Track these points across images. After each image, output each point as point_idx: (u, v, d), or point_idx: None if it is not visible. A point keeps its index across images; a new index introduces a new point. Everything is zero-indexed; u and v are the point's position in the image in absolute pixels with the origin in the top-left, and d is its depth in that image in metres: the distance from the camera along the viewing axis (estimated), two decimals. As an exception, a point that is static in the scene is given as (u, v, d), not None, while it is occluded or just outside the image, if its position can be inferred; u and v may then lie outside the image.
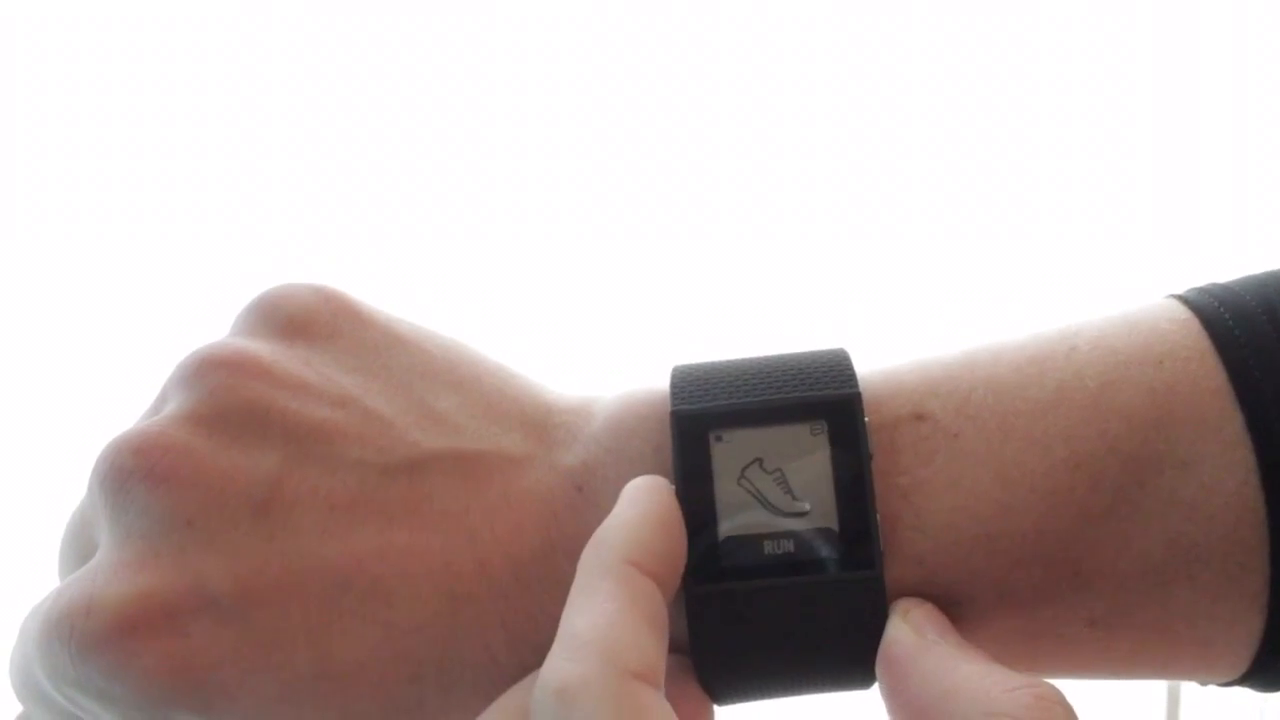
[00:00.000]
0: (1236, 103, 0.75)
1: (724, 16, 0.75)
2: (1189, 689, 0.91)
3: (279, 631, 0.25)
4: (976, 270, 0.75)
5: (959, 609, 0.26)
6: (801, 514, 0.26)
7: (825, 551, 0.25)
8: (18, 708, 0.28)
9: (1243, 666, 0.27)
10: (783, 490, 0.26)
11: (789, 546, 0.25)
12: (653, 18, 0.75)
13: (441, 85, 0.74)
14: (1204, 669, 0.27)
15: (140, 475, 0.26)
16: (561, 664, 0.22)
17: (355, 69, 0.73)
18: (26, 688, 0.27)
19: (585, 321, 0.75)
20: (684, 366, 0.28)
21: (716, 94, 0.76)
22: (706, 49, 0.75)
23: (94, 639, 0.25)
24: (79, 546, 0.28)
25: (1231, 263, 0.30)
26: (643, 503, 0.24)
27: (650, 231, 0.76)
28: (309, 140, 0.73)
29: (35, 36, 0.70)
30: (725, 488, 0.26)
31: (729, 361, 0.28)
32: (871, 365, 0.28)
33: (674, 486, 0.26)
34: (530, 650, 0.26)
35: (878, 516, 0.25)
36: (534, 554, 0.26)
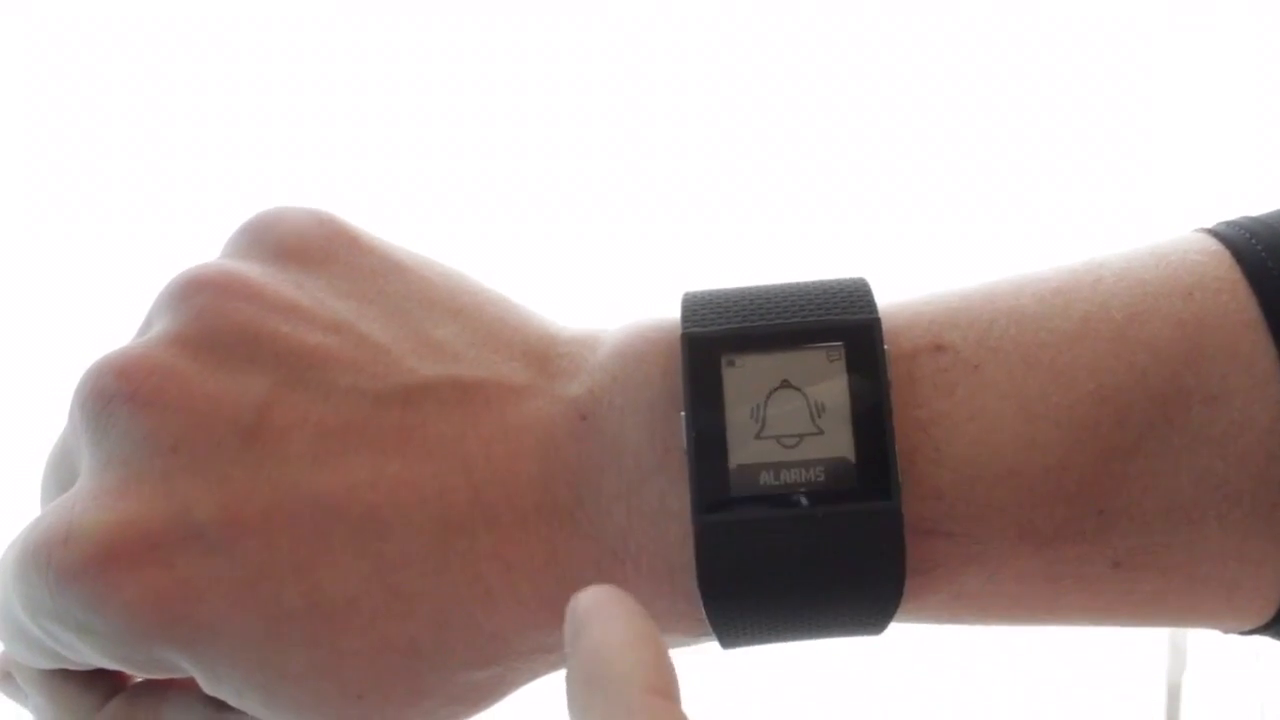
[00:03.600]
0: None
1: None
2: (1189, 689, 0.90)
3: (266, 563, 0.24)
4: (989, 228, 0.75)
5: (979, 546, 0.25)
6: (816, 443, 0.25)
7: (840, 482, 0.24)
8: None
9: (1269, 612, 0.26)
10: (797, 417, 0.25)
11: (803, 476, 0.24)
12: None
13: (437, 71, 0.73)
14: (1229, 614, 0.26)
15: (123, 398, 0.25)
16: None
17: (345, 54, 0.72)
18: (4, 622, 0.26)
19: (590, 276, 0.74)
20: (695, 292, 0.27)
21: (718, 72, 0.75)
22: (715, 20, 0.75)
23: (72, 569, 0.24)
24: (61, 475, 0.27)
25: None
26: (621, 619, 0.21)
27: (654, 197, 0.75)
28: (301, 126, 0.72)
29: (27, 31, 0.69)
30: (737, 414, 0.25)
31: (743, 287, 0.27)
32: (888, 297, 0.27)
33: (683, 413, 0.25)
34: (525, 581, 0.25)
35: (896, 447, 0.24)
36: (531, 482, 0.25)
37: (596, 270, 0.75)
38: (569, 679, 0.20)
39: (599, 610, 0.21)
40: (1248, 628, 0.27)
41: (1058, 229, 0.76)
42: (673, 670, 0.20)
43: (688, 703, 0.20)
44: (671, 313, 0.27)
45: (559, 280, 0.74)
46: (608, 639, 0.20)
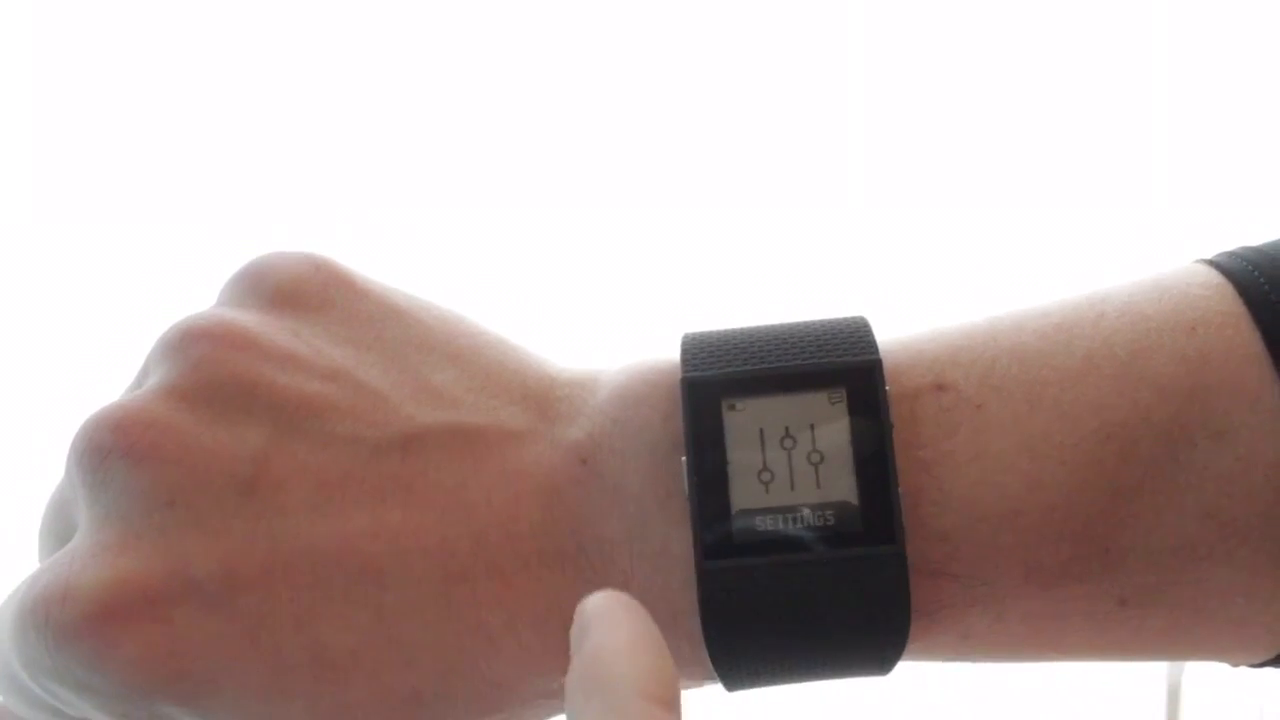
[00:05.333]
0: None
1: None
2: (1189, 689, 0.90)
3: (266, 617, 0.24)
4: (991, 256, 0.75)
5: (985, 587, 0.25)
6: (819, 486, 0.24)
7: (844, 526, 0.24)
8: None
9: (1277, 646, 0.26)
10: (799, 461, 0.24)
11: (806, 520, 0.24)
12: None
13: (436, 72, 0.73)
14: (1238, 649, 0.26)
15: (119, 453, 0.25)
16: None
17: (342, 57, 0.72)
18: (2, 679, 0.26)
19: (588, 309, 0.74)
20: (695, 334, 0.26)
21: (720, 77, 0.75)
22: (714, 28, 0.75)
23: (71, 627, 0.24)
24: (58, 528, 0.27)
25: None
26: (625, 624, 0.21)
27: (654, 219, 0.75)
28: (300, 128, 0.72)
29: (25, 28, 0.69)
30: (739, 458, 0.24)
31: (742, 329, 0.26)
32: (888, 334, 0.27)
33: (684, 458, 0.24)
34: (528, 628, 0.25)
35: (899, 489, 0.24)
36: (534, 529, 0.25)
37: (592, 291, 0.74)
38: (569, 681, 0.20)
39: (605, 614, 0.21)
40: (1256, 661, 0.27)
41: (1055, 237, 0.75)
42: (675, 679, 0.20)
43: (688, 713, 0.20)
44: (670, 354, 0.26)
45: (554, 293, 0.74)
46: (609, 642, 0.20)
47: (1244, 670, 0.27)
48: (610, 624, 0.21)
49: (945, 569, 0.25)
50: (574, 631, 0.21)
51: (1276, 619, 0.25)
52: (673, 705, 0.19)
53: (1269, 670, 0.27)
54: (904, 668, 0.26)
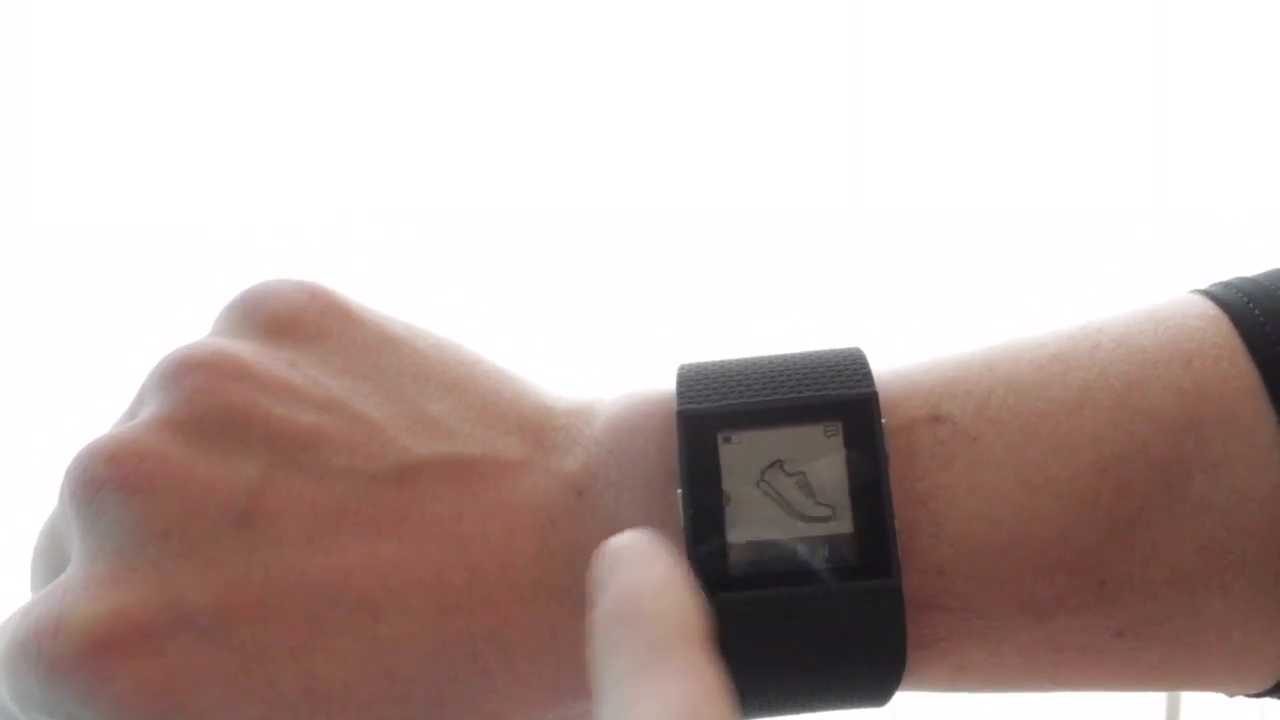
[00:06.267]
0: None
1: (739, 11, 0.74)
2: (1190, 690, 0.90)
3: (261, 650, 0.24)
4: (986, 273, 0.75)
5: (981, 620, 0.25)
6: (814, 520, 0.24)
7: (840, 559, 0.24)
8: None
9: (1274, 677, 0.26)
10: (794, 495, 0.24)
11: (801, 554, 0.24)
12: (661, 14, 0.74)
13: (438, 81, 0.73)
14: (1234, 680, 0.26)
15: (113, 485, 0.24)
16: None
17: (344, 63, 0.72)
18: None
19: (585, 327, 0.73)
20: (690, 365, 0.26)
21: (722, 90, 0.75)
22: (714, 43, 0.74)
23: (63, 661, 0.23)
24: (50, 560, 0.26)
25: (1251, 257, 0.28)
26: (653, 561, 0.20)
27: (651, 235, 0.75)
28: (300, 136, 0.72)
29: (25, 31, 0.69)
30: (734, 492, 0.24)
31: (738, 360, 0.26)
32: (884, 365, 0.26)
33: (679, 490, 0.24)
34: (524, 661, 0.25)
35: (895, 523, 0.24)
36: (529, 561, 0.25)
37: (590, 298, 0.74)
38: (598, 619, 0.20)
39: (634, 552, 0.20)
40: (1253, 692, 0.27)
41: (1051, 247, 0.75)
42: (705, 618, 0.20)
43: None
44: (666, 384, 0.26)
45: (559, 288, 0.74)
46: (644, 578, 0.20)
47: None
48: (642, 561, 0.20)
49: (941, 602, 0.24)
50: (597, 569, 0.20)
51: (1273, 650, 0.25)
52: (708, 645, 0.19)
53: (1267, 700, 0.27)
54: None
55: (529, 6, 0.73)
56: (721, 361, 0.26)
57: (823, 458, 0.25)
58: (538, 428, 0.26)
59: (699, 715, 0.18)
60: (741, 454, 0.25)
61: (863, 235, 0.75)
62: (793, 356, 0.26)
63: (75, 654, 0.23)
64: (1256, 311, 0.25)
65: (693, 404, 0.25)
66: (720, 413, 0.25)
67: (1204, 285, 0.27)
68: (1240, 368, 0.25)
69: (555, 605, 0.25)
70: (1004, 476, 0.25)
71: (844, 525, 0.24)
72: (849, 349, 0.26)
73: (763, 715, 0.26)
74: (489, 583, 0.25)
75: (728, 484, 0.25)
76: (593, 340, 0.73)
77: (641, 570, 0.20)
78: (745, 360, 0.26)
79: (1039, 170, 0.76)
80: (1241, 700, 0.27)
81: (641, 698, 0.18)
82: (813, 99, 0.75)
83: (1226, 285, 0.26)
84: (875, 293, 0.73)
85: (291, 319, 0.27)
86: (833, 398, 0.25)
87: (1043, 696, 0.28)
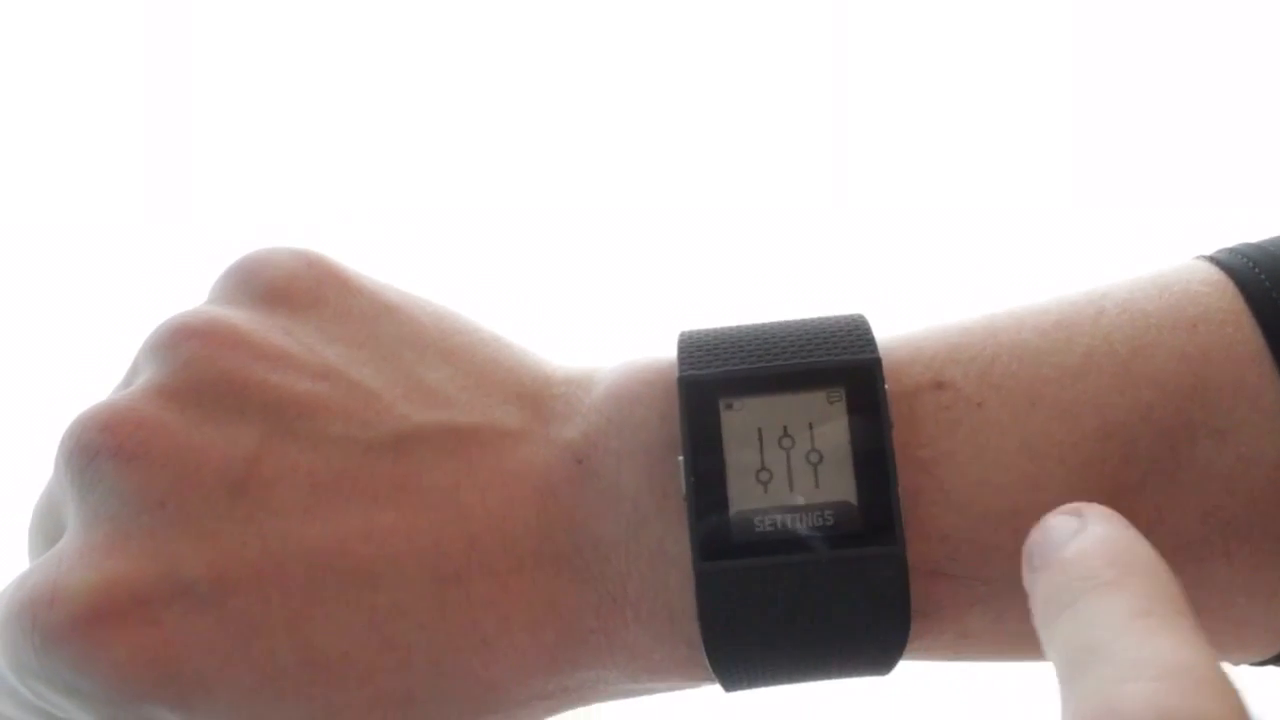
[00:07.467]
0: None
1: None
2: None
3: (258, 619, 0.24)
4: (982, 272, 0.74)
5: (984, 587, 0.24)
6: (818, 486, 0.24)
7: (843, 526, 0.24)
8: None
9: (1277, 645, 0.26)
10: (798, 461, 0.24)
11: (805, 520, 0.24)
12: (652, 13, 0.74)
13: (434, 71, 0.72)
14: (1236, 647, 0.26)
15: (108, 453, 0.24)
16: (1188, 700, 0.17)
17: (345, 62, 0.71)
18: None
19: (578, 325, 0.73)
20: (691, 332, 0.26)
21: (716, 78, 0.75)
22: (707, 41, 0.74)
23: (59, 630, 0.23)
24: (47, 528, 0.26)
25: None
26: (1120, 517, 0.21)
27: (646, 233, 0.74)
28: (296, 126, 0.71)
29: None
30: (736, 458, 0.24)
31: (740, 327, 0.26)
32: (887, 331, 0.26)
33: (681, 457, 0.24)
34: (523, 629, 0.24)
35: (899, 490, 0.24)
36: (528, 530, 0.25)
37: (589, 287, 0.74)
38: (1069, 564, 0.20)
39: (1091, 510, 0.21)
40: (1257, 660, 0.26)
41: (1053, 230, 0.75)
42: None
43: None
44: (667, 352, 0.26)
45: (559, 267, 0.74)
46: (1120, 530, 0.20)
47: (1243, 671, 0.27)
48: (1105, 515, 0.20)
49: (944, 569, 0.24)
50: (1037, 538, 0.21)
51: (1276, 618, 0.25)
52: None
53: (1270, 669, 0.27)
54: (904, 666, 0.26)
55: (521, 5, 0.73)
56: (723, 328, 0.26)
57: (826, 424, 0.24)
58: (536, 396, 0.26)
59: (1215, 664, 0.18)
60: (744, 420, 0.24)
61: (849, 232, 0.75)
62: (795, 323, 0.26)
63: (71, 622, 0.23)
64: (1262, 276, 0.25)
65: (694, 370, 0.25)
66: (722, 379, 0.25)
67: (1209, 251, 0.27)
68: (1245, 333, 0.24)
69: (554, 574, 0.25)
70: (1008, 442, 0.24)
71: (847, 492, 0.24)
72: (852, 315, 0.26)
73: (765, 684, 0.26)
74: (487, 552, 0.25)
75: (730, 451, 0.24)
76: (583, 337, 0.72)
77: (1114, 520, 0.20)
78: (747, 327, 0.26)
79: (1038, 170, 0.76)
80: (1245, 669, 0.27)
81: (1148, 633, 0.18)
82: (801, 95, 0.75)
83: (1232, 251, 0.26)
84: (864, 290, 0.73)
85: (288, 287, 0.26)
86: (836, 363, 0.25)
87: (1046, 668, 0.28)
